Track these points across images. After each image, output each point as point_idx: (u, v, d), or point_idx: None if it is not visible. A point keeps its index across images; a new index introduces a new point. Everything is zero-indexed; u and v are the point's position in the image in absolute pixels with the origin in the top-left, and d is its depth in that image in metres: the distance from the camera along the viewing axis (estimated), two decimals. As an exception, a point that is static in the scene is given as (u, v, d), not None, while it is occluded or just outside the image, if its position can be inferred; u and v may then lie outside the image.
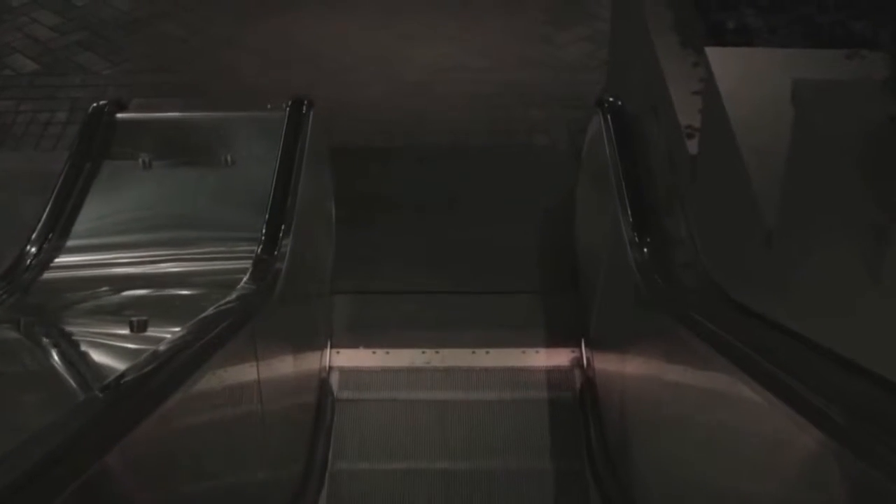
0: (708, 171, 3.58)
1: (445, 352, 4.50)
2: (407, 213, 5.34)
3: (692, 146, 3.79)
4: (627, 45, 5.30)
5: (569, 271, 4.87)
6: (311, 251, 4.23)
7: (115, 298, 3.36)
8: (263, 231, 3.43)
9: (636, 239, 3.42)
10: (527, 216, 5.32)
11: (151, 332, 2.77)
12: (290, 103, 4.28)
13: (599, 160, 4.33)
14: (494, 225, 5.26)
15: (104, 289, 3.40)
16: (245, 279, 3.10)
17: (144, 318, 2.77)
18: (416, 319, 4.68)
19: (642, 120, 4.40)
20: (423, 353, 4.51)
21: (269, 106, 4.44)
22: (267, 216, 3.51)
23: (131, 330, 2.77)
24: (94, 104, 4.32)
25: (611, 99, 4.36)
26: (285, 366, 3.59)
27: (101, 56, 6.71)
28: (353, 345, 4.56)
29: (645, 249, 3.35)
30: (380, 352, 4.53)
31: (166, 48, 6.78)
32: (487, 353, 4.52)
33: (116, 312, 3.25)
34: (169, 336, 2.40)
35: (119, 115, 4.32)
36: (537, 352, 4.55)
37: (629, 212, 3.63)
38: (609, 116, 4.24)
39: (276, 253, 3.36)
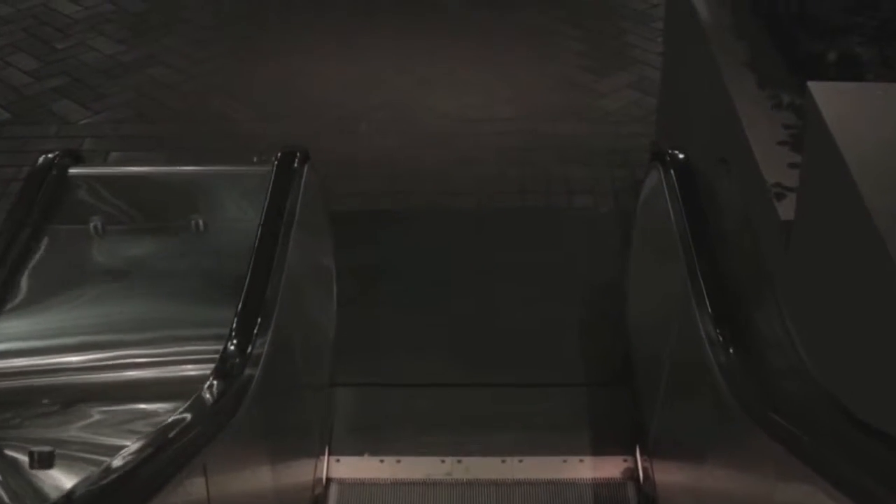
0: (810, 241, 2.84)
1: (469, 461, 3.76)
2: (424, 290, 4.63)
3: (784, 209, 3.05)
4: (685, 87, 4.59)
5: (619, 360, 4.13)
6: (303, 336, 3.50)
7: (27, 418, 2.63)
8: (234, 326, 2.69)
9: (718, 334, 2.69)
10: (566, 292, 4.61)
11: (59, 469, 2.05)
12: (279, 155, 3.57)
13: (659, 226, 3.61)
14: (527, 303, 4.54)
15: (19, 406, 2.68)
16: (197, 395, 2.36)
17: (48, 449, 2.04)
18: (434, 419, 3.95)
19: (711, 176, 3.67)
20: (443, 462, 3.77)
21: (254, 159, 3.74)
22: (240, 306, 2.77)
23: (31, 464, 2.04)
24: (43, 156, 3.62)
25: (673, 151, 3.63)
26: (260, 489, 2.84)
27: (79, 104, 6.06)
28: (357, 451, 3.82)
29: (730, 349, 2.63)
30: (389, 460, 3.79)
31: (152, 95, 6.14)
32: (520, 461, 3.78)
33: (22, 439, 2.51)
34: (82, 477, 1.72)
35: (72, 170, 3.61)
36: (581, 461, 3.80)
37: (705, 296, 2.91)
38: (672, 172, 3.52)
39: (248, 353, 2.61)
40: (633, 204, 5.04)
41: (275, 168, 3.50)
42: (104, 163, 5.33)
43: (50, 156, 3.62)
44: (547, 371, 4.19)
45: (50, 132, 5.83)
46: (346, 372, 4.14)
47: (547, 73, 6.36)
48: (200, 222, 3.40)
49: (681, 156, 3.62)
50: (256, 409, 2.59)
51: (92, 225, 3.39)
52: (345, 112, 5.98)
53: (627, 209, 5.02)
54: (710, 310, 2.78)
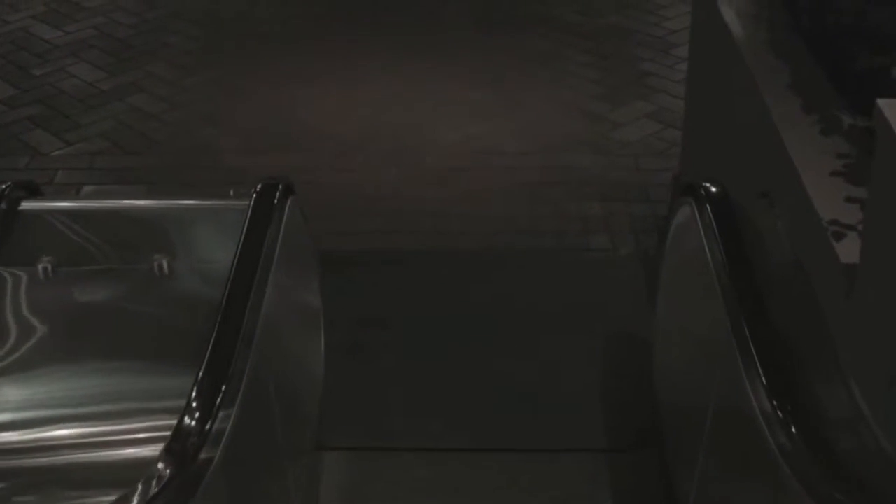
0: (879, 288, 2.41)
1: (473, 539, 3.33)
2: (424, 340, 4.20)
3: (845, 250, 2.63)
4: (716, 114, 4.18)
5: (644, 422, 3.68)
6: (282, 397, 3.06)
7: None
8: (191, 397, 2.25)
9: (775, 409, 2.25)
10: (583, 343, 4.17)
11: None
12: (257, 189, 3.14)
13: (692, 269, 3.21)
14: (539, 356, 4.11)
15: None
16: (139, 485, 1.92)
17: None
18: (433, 490, 3.51)
19: (750, 213, 3.25)
20: (443, 540, 3.34)
21: (230, 192, 3.33)
22: (201, 372, 2.33)
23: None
24: (-7, 188, 3.21)
25: (708, 184, 3.21)
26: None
27: (53, 134, 5.67)
28: (345, 527, 3.38)
29: (792, 428, 2.19)
30: (382, 538, 3.36)
31: (132, 125, 5.76)
32: (531, 540, 3.34)
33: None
34: None
35: (24, 204, 3.20)
36: (601, 540, 3.36)
37: (756, 360, 2.47)
38: (708, 208, 3.10)
39: (207, 430, 2.17)
40: (656, 244, 4.73)
41: (252, 203, 3.08)
42: (63, 196, 4.89)
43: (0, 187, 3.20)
44: (561, 434, 3.76)
45: (20, 164, 5.44)
46: (336, 433, 3.71)
47: (558, 102, 5.98)
48: (165, 265, 2.99)
49: (717, 189, 3.20)
50: (217, 496, 2.16)
51: (41, 266, 2.97)
52: (340, 144, 5.59)
53: (649, 250, 4.70)
54: (763, 379, 2.34)
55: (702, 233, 3.08)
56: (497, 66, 6.32)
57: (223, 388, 2.29)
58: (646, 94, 6.04)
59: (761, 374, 2.36)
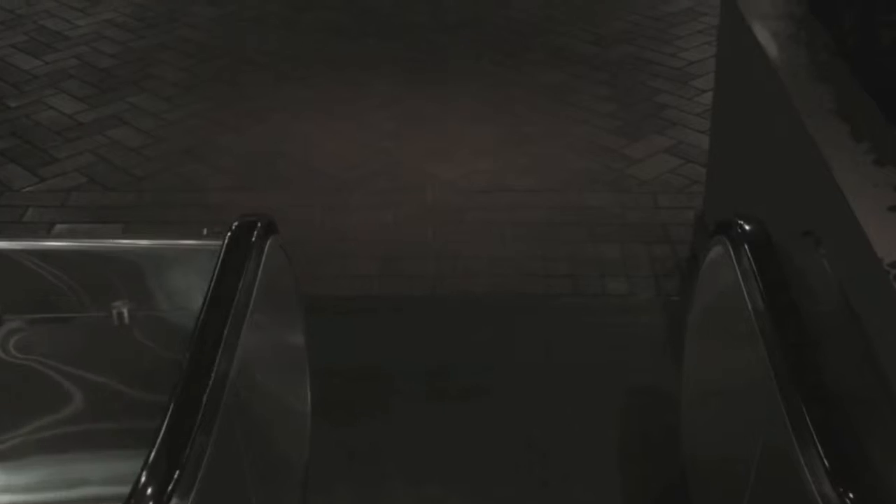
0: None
1: None
2: (423, 397, 3.86)
3: (912, 298, 2.29)
4: (748, 145, 3.85)
5: (670, 491, 3.32)
6: (259, 470, 2.71)
7: None
8: (139, 483, 1.90)
9: (841, 496, 1.91)
10: (600, 401, 3.83)
11: None
12: (233, 227, 2.81)
13: (727, 318, 2.90)
14: (550, 415, 3.77)
15: None
16: None
17: None
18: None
19: (793, 254, 2.91)
20: None
21: (204, 231, 3.00)
22: (152, 455, 1.98)
23: None
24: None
25: (745, 222, 2.87)
26: None
27: (26, 169, 5.36)
28: None
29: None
30: None
31: (112, 160, 5.45)
32: None
33: None
34: None
35: (-28, 245, 2.88)
36: None
37: (814, 437, 2.12)
38: (745, 248, 2.76)
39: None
40: (678, 289, 4.45)
41: (225, 243, 2.74)
42: (9, 235, 4.56)
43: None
44: (575, 502, 3.40)
45: (-12, 201, 5.13)
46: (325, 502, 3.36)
47: (571, 136, 5.66)
48: (125, 312, 2.66)
49: (755, 226, 2.86)
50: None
51: (-16, 314, 2.65)
52: (334, 181, 5.27)
53: (672, 295, 4.42)
54: (825, 463, 1.99)
55: (739, 276, 2.74)
56: (503, 99, 6.02)
57: (175, 475, 1.93)
58: (664, 127, 5.73)
59: (822, 457, 2.01)
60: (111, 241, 3.13)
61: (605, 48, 6.58)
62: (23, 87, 6.16)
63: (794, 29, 3.55)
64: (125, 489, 1.90)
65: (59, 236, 3.62)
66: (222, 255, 2.69)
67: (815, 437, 2.10)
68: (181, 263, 2.89)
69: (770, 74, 3.36)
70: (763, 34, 3.52)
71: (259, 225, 2.85)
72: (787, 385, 2.31)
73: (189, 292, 2.71)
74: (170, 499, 1.89)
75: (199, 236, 3.00)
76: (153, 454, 1.97)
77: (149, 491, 1.89)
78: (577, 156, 5.48)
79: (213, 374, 2.27)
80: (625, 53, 6.53)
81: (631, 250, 4.74)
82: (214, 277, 2.59)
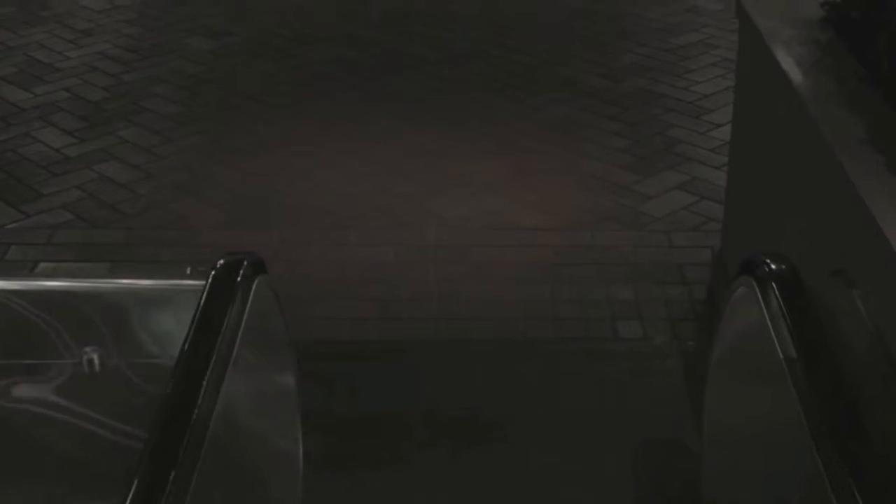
0: None
1: None
2: (424, 450, 3.68)
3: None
4: (771, 178, 3.66)
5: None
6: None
7: None
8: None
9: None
10: (613, 453, 3.64)
11: None
12: (217, 265, 2.62)
13: (755, 365, 2.71)
14: (562, 465, 3.58)
15: None
16: None
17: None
18: None
19: (823, 295, 2.73)
20: None
21: (188, 270, 2.82)
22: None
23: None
24: None
25: (772, 260, 2.68)
26: None
27: (11, 205, 5.20)
28: None
29: None
30: None
31: (100, 196, 5.28)
32: None
33: None
34: None
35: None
36: None
37: (853, 489, 1.94)
38: (775, 288, 2.57)
39: None
40: (695, 332, 4.27)
41: (209, 283, 2.56)
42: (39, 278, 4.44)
43: None
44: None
45: (-32, 239, 4.96)
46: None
47: (580, 172, 5.49)
48: (95, 359, 2.47)
49: (784, 265, 2.67)
50: None
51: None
52: (332, 218, 5.10)
53: (688, 339, 4.25)
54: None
55: (767, 318, 2.55)
56: (510, 133, 5.86)
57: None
58: (677, 163, 5.56)
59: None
60: (87, 281, 2.96)
61: (615, 81, 6.42)
62: (10, 119, 6.01)
63: (819, 55, 3.39)
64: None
65: (35, 276, 3.44)
66: (205, 296, 2.51)
67: (855, 493, 1.90)
68: (161, 305, 2.71)
69: (795, 103, 3.19)
70: (786, 61, 3.35)
71: (245, 263, 2.67)
72: (822, 436, 2.13)
73: (169, 337, 2.53)
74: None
75: (182, 275, 2.82)
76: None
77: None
78: (587, 192, 5.31)
79: (189, 428, 2.08)
80: (635, 87, 6.36)
81: (644, 291, 4.57)
82: (195, 321, 2.41)
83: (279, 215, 5.13)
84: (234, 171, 5.50)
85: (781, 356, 2.44)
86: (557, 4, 7.52)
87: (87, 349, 2.49)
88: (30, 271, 4.64)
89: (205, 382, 2.21)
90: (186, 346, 2.32)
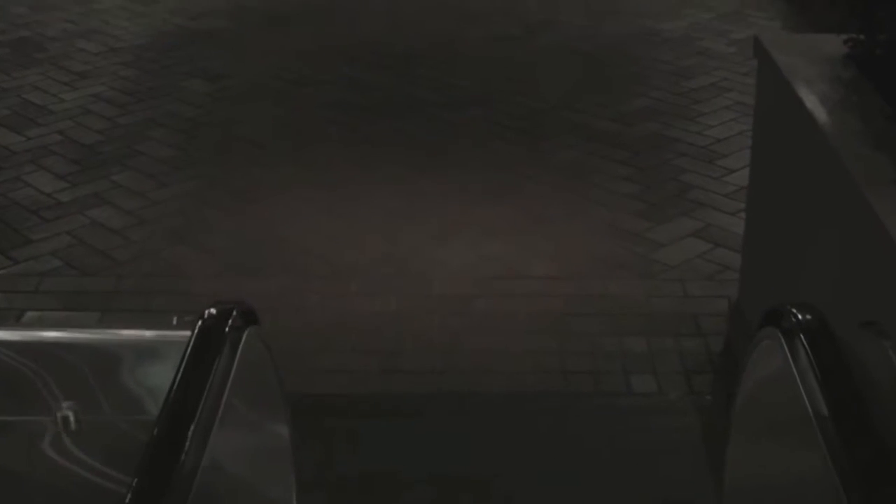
0: None
1: None
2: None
3: None
4: (792, 225, 3.52)
5: None
6: None
7: None
8: None
9: None
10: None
11: None
12: (204, 315, 2.48)
13: (782, 424, 2.56)
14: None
15: None
16: None
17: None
18: None
19: (852, 348, 2.58)
20: None
21: (174, 320, 2.68)
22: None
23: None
24: None
25: (800, 311, 2.53)
26: None
27: (-2, 252, 5.08)
28: None
29: None
30: None
31: (91, 242, 5.17)
32: None
33: None
34: None
35: None
36: None
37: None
38: (803, 343, 2.42)
39: None
40: (712, 386, 4.14)
41: (195, 334, 2.41)
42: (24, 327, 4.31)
43: None
44: None
45: (-45, 287, 4.84)
46: None
47: (590, 219, 5.37)
48: (71, 417, 2.31)
49: (812, 316, 2.52)
50: None
51: None
52: (332, 266, 4.98)
53: (705, 394, 4.13)
54: None
55: (796, 374, 2.40)
56: (517, 179, 5.75)
57: None
58: (690, 209, 5.44)
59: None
60: (68, 332, 2.82)
61: (625, 125, 6.31)
62: (0, 163, 5.90)
63: (843, 93, 3.26)
64: None
65: (17, 326, 3.32)
66: (190, 348, 2.36)
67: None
68: (145, 358, 2.57)
69: (820, 143, 3.06)
70: (810, 99, 3.23)
71: (235, 313, 2.52)
72: (856, 496, 1.98)
73: (150, 392, 2.38)
74: None
75: (168, 326, 2.68)
76: None
77: None
78: (598, 240, 5.19)
79: (170, 486, 1.93)
80: (647, 131, 6.25)
81: (658, 343, 4.44)
82: (178, 376, 2.26)
83: (277, 263, 5.01)
84: (230, 217, 5.39)
85: (811, 412, 2.29)
86: (564, 47, 7.45)
87: (64, 405, 2.35)
88: (15, 320, 4.52)
89: (187, 446, 2.06)
90: (168, 404, 2.18)
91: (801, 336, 2.45)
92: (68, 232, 5.24)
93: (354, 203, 5.51)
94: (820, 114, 3.15)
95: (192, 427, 2.12)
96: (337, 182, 5.71)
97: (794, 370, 2.41)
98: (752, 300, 4.08)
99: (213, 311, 2.51)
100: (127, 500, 1.87)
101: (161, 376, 2.37)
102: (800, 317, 2.53)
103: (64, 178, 5.74)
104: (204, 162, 5.92)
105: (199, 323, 2.46)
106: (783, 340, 2.51)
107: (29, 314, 4.59)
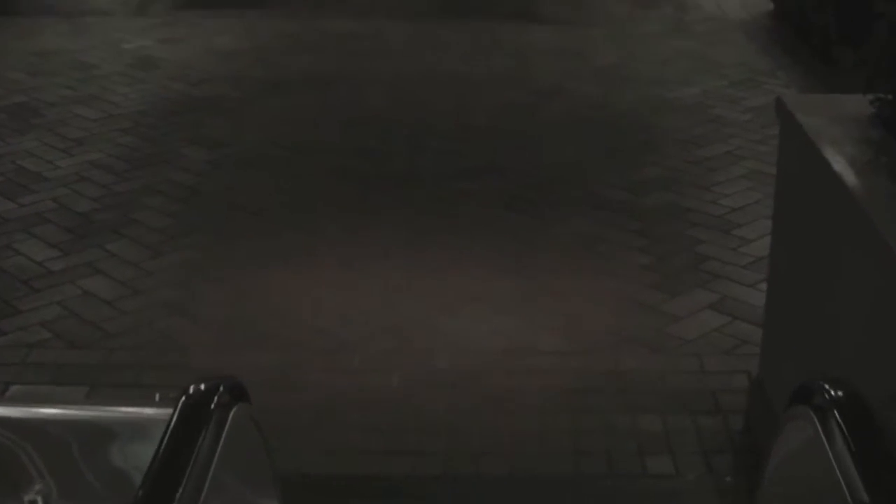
0: None
1: None
2: None
3: None
4: (818, 296, 3.36)
5: None
6: None
7: None
8: None
9: None
10: None
11: None
12: (188, 392, 2.32)
13: None
14: None
15: None
16: None
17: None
18: None
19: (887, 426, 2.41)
20: None
21: (156, 396, 2.52)
22: None
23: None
24: None
25: (833, 387, 2.36)
26: None
27: (-15, 323, 4.95)
28: None
29: None
30: None
31: (82, 313, 5.03)
32: None
33: None
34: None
35: None
36: None
37: None
38: (838, 421, 2.26)
39: None
40: (731, 467, 4.00)
41: (177, 412, 2.25)
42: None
43: None
44: None
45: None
46: None
47: (603, 291, 5.23)
48: (39, 501, 2.14)
49: (847, 392, 2.37)
50: None
51: None
52: (332, 340, 4.83)
53: (724, 475, 3.97)
54: None
55: (831, 457, 2.23)
56: (526, 250, 5.61)
57: None
58: (706, 281, 5.30)
59: None
60: (44, 408, 2.65)
61: (638, 195, 6.18)
62: (-10, 232, 5.79)
63: (872, 154, 3.12)
64: None
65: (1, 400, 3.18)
66: (170, 428, 2.20)
67: None
68: (124, 437, 2.41)
69: (850, 207, 2.91)
70: (838, 161, 3.08)
71: (221, 389, 2.37)
72: None
73: (127, 475, 2.21)
74: None
75: (150, 403, 2.52)
76: None
77: None
78: (610, 313, 5.05)
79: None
80: (660, 201, 6.12)
81: (675, 422, 4.28)
82: (156, 458, 2.10)
83: (275, 337, 4.86)
84: (227, 288, 5.25)
85: (850, 499, 2.12)
86: (573, 115, 7.35)
87: (34, 489, 2.18)
88: (0, 394, 4.37)
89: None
90: (146, 489, 2.01)
91: (836, 414, 2.29)
92: (59, 302, 5.10)
93: (356, 274, 5.38)
94: (849, 176, 3.01)
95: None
96: (338, 252, 5.58)
97: (830, 452, 2.24)
98: (774, 375, 3.92)
99: (196, 387, 2.35)
100: None
101: (140, 457, 2.20)
102: (834, 393, 2.37)
103: (56, 246, 5.60)
104: (201, 231, 5.79)
105: (182, 399, 2.31)
106: (816, 419, 2.35)
107: (14, 388, 4.44)
